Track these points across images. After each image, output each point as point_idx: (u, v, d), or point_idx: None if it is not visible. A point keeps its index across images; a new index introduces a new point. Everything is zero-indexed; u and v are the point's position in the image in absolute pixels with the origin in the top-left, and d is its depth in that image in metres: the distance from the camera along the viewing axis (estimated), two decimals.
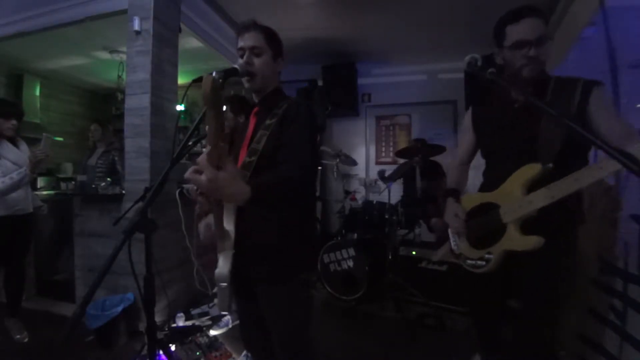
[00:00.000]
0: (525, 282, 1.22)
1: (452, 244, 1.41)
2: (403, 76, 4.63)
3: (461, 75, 3.79)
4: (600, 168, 0.97)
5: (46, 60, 4.16)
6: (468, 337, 2.22)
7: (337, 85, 4.37)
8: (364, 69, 4.54)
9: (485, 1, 2.76)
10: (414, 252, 2.90)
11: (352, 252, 2.85)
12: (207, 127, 0.73)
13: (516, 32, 1.14)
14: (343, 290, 2.86)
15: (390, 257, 2.88)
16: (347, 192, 3.89)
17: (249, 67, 1.11)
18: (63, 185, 3.53)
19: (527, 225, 1.16)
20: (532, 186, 1.14)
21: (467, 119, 1.49)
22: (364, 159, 4.87)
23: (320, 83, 4.48)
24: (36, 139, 2.44)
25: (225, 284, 1.01)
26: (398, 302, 2.75)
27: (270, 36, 1.16)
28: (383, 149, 4.89)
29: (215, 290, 1.08)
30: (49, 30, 2.89)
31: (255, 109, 1.21)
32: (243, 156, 1.12)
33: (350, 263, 2.84)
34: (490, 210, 1.25)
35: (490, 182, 1.31)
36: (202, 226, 1.17)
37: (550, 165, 1.10)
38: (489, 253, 1.25)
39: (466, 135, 1.49)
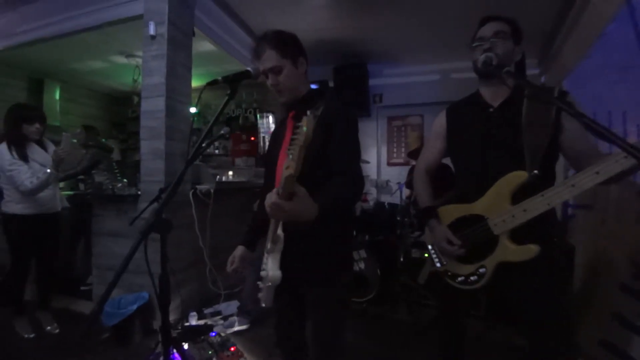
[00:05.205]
0: (530, 291, 1.15)
1: (436, 261, 1.36)
2: (415, 76, 4.59)
3: (475, 74, 3.72)
4: (596, 173, 0.95)
5: (66, 65, 4.29)
6: (481, 340, 2.18)
7: (348, 86, 4.36)
8: (375, 70, 4.52)
9: None
10: (426, 255, 2.86)
11: (363, 253, 2.84)
12: (290, 156, 0.79)
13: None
14: (354, 292, 2.85)
15: (402, 259, 2.85)
16: None
17: (275, 88, 1.15)
18: (81, 186, 3.62)
19: (516, 235, 1.12)
20: (516, 195, 1.11)
21: (440, 123, 1.40)
22: (375, 160, 4.85)
23: (331, 84, 4.49)
24: (57, 141, 2.55)
25: (270, 284, 1.05)
26: (410, 305, 2.72)
27: (283, 47, 1.13)
28: (395, 149, 4.86)
29: (261, 286, 1.14)
30: (68, 36, 2.99)
31: (292, 113, 1.21)
32: (282, 159, 1.15)
33: (362, 265, 2.83)
34: (476, 222, 1.20)
35: (468, 192, 1.25)
36: (229, 260, 1.26)
37: (536, 172, 1.07)
38: (481, 267, 1.19)
39: (437, 141, 1.41)
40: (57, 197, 2.45)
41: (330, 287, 1.14)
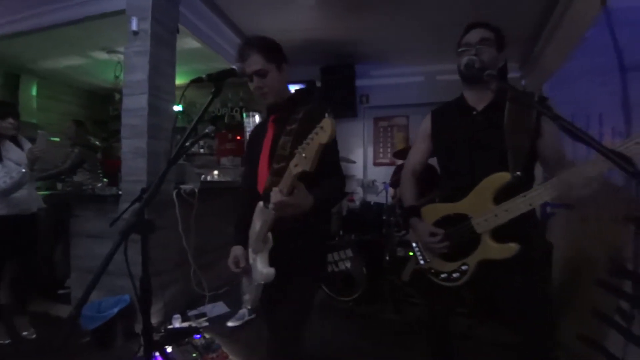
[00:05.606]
0: (512, 289, 1.19)
1: (419, 259, 1.40)
2: (401, 77, 4.64)
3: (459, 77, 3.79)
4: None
5: (43, 61, 4.14)
6: (468, 338, 2.22)
7: (335, 86, 4.38)
8: (362, 70, 4.54)
9: (483, 2, 2.77)
10: (411, 253, 2.90)
11: (349, 253, 2.85)
12: (303, 153, 0.84)
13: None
14: (341, 291, 2.86)
15: (388, 258, 2.88)
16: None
17: (260, 91, 1.19)
18: (59, 185, 3.51)
19: (498, 234, 1.15)
20: (498, 195, 1.14)
21: (425, 126, 1.43)
22: (361, 160, 4.88)
23: (318, 84, 4.49)
24: (33, 138, 2.45)
25: (263, 281, 1.07)
26: (396, 304, 2.75)
27: (268, 52, 1.17)
28: (381, 150, 4.90)
29: (247, 287, 1.15)
30: (47, 30, 2.88)
31: (272, 117, 1.26)
32: (264, 161, 1.21)
33: (348, 264, 2.84)
34: (460, 221, 1.23)
35: (453, 192, 1.29)
36: (230, 261, 1.28)
37: (519, 173, 1.12)
38: (464, 264, 1.23)
39: (423, 143, 1.44)
40: (33, 197, 2.35)
41: (310, 282, 1.22)
